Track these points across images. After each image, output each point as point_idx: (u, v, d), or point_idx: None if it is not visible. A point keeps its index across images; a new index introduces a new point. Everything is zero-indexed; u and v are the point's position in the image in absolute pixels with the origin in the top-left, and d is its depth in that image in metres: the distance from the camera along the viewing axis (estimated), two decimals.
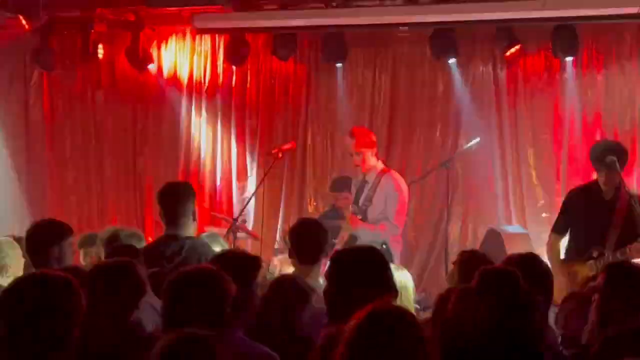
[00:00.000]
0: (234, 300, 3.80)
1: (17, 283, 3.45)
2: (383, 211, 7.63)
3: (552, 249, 6.98)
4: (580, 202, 6.96)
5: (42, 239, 5.48)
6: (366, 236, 7.45)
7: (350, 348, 2.71)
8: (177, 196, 5.90)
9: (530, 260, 4.36)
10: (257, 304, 4.35)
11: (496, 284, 2.75)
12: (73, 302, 3.40)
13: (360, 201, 7.71)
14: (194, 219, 5.95)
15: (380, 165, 7.86)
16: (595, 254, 6.59)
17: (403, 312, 2.80)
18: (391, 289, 3.93)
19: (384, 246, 7.12)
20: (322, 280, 5.59)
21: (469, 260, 5.33)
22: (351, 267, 3.93)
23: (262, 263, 4.58)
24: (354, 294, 3.75)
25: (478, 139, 8.83)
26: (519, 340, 2.66)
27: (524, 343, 2.68)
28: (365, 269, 3.89)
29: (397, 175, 7.92)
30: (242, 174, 10.67)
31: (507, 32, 9.35)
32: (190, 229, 5.90)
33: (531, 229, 9.18)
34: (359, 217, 7.70)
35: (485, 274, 2.84)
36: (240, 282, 3.99)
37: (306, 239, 5.56)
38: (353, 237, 7.55)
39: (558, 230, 7.10)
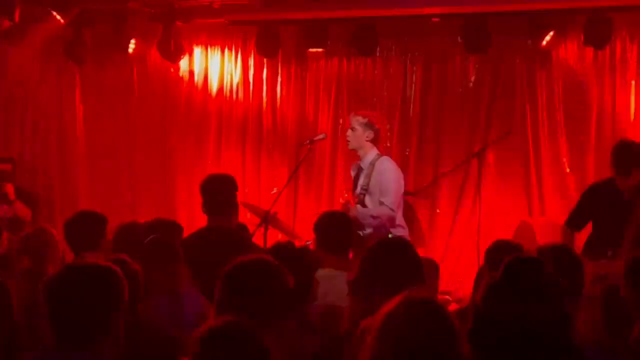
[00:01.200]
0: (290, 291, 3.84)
1: (61, 271, 3.47)
2: (379, 197, 7.55)
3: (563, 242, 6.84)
4: (597, 198, 6.84)
5: (81, 229, 5.59)
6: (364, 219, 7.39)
7: (380, 336, 2.70)
8: (221, 187, 5.99)
9: (560, 250, 4.33)
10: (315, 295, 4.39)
11: (520, 273, 2.72)
12: (116, 291, 3.42)
13: (358, 189, 7.64)
14: (236, 212, 6.00)
15: (375, 152, 7.76)
16: (609, 254, 6.29)
17: (433, 302, 2.80)
18: (424, 281, 3.91)
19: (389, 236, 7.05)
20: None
21: (496, 251, 5.33)
22: (385, 260, 3.91)
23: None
24: (388, 287, 3.74)
25: (510, 131, 8.80)
26: (545, 330, 2.64)
27: (551, 333, 2.65)
28: (399, 262, 3.87)
29: (390, 160, 7.82)
30: (274, 166, 10.68)
31: (540, 22, 9.30)
32: (233, 221, 5.97)
33: (563, 219, 9.10)
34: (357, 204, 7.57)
35: (509, 263, 2.81)
36: (298, 273, 4.01)
37: (332, 231, 5.59)
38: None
39: (570, 224, 7.00)
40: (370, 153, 7.57)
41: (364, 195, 7.49)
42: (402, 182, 7.68)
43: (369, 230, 7.29)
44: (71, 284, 3.36)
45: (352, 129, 7.56)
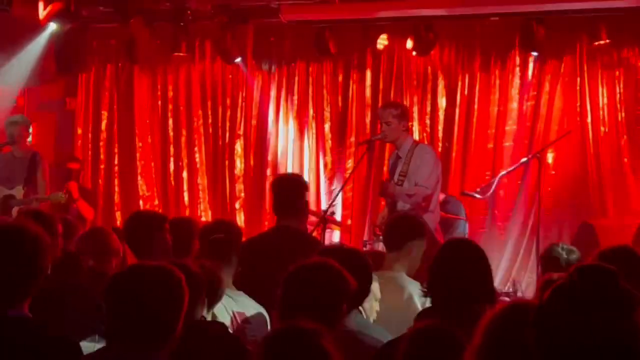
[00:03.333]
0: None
1: (121, 274, 3.49)
2: (415, 179, 7.62)
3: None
4: None
5: (140, 229, 5.64)
6: None
7: (489, 340, 2.72)
8: (289, 188, 6.00)
9: (623, 253, 4.24)
10: None
11: (593, 282, 2.69)
12: (175, 296, 3.39)
13: (395, 177, 7.69)
14: (305, 213, 6.03)
15: (410, 139, 7.85)
16: None
17: None
18: (493, 287, 3.88)
19: None
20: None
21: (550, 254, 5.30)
22: (457, 265, 3.89)
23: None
24: (456, 292, 3.73)
25: (570, 131, 8.71)
26: (617, 340, 2.61)
27: (622, 342, 2.62)
28: (470, 267, 3.86)
29: (429, 147, 8.03)
30: (331, 165, 10.68)
31: (598, 22, 9.22)
32: (302, 222, 6.00)
33: (625, 221, 9.01)
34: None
35: (581, 270, 2.78)
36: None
37: (395, 232, 5.60)
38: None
39: None
40: (407, 141, 7.73)
41: (403, 181, 7.56)
42: (440, 167, 7.81)
43: (407, 206, 7.42)
44: (130, 286, 3.36)
45: (387, 123, 7.66)
